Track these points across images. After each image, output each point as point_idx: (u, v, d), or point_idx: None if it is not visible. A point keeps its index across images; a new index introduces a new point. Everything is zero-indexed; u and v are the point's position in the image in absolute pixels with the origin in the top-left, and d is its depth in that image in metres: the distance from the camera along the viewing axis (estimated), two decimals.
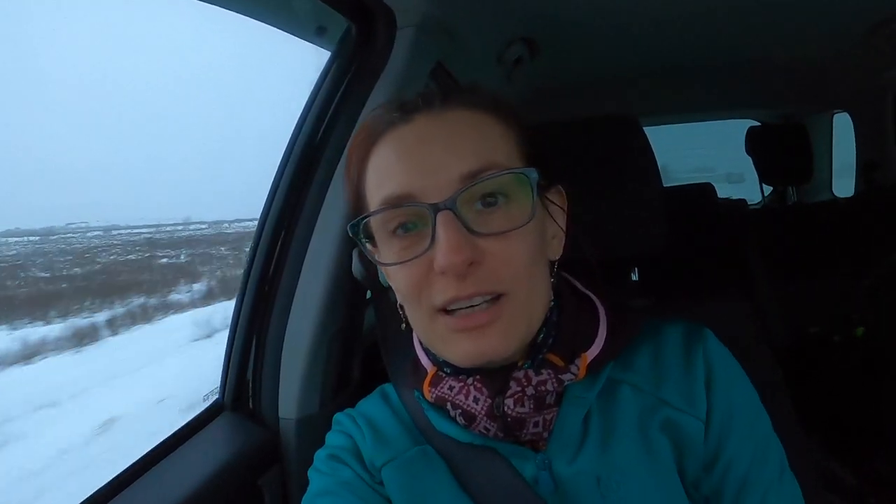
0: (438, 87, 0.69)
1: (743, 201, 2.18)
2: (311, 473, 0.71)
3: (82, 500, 0.78)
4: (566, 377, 0.63)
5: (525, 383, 0.62)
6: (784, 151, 2.36)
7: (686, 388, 0.67)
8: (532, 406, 0.62)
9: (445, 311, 0.60)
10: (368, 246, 0.66)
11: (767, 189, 2.78)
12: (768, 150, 2.41)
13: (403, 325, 0.70)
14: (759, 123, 2.68)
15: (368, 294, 1.05)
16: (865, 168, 2.27)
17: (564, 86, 2.06)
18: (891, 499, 1.58)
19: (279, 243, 1.03)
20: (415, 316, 0.64)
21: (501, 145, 0.63)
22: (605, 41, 1.67)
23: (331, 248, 0.99)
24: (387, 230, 0.62)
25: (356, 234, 0.64)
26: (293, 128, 1.06)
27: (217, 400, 1.04)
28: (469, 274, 0.57)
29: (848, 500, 1.46)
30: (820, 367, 1.84)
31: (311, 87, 1.07)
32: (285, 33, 1.04)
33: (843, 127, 2.53)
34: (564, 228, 0.70)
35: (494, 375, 0.63)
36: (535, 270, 0.62)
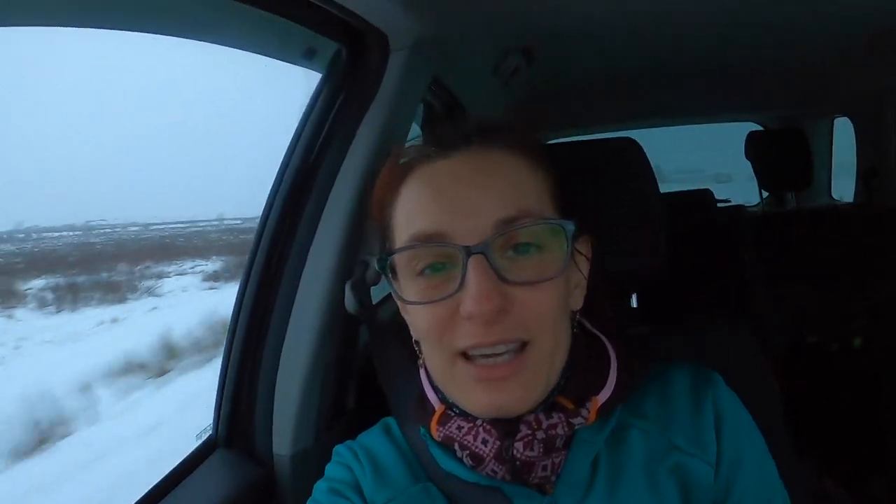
0: (459, 108, 0.67)
1: (741, 207, 2.17)
2: None
3: None
4: (577, 421, 0.63)
5: (535, 426, 0.61)
6: (783, 157, 2.35)
7: (695, 432, 0.67)
8: (541, 450, 0.61)
9: (465, 356, 0.59)
10: (393, 282, 0.65)
11: (765, 193, 2.77)
12: (767, 155, 2.40)
13: (420, 361, 0.69)
14: (759, 127, 2.67)
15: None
16: (865, 174, 2.26)
17: (563, 92, 2.04)
18: None
19: (272, 273, 1.01)
20: (433, 358, 0.63)
21: (536, 192, 0.62)
22: (603, 46, 1.65)
23: (324, 279, 0.96)
24: (413, 268, 0.61)
25: (383, 269, 0.63)
26: (283, 154, 1.03)
27: (210, 436, 1.01)
28: (496, 322, 0.56)
29: None
30: (817, 378, 1.83)
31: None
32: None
33: (842, 130, 2.52)
34: (587, 278, 0.69)
35: (504, 419, 0.62)
36: (560, 321, 0.61)
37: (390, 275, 0.64)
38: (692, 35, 1.61)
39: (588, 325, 0.73)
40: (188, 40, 0.85)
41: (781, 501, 0.68)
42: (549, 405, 0.63)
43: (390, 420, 0.77)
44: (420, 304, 0.60)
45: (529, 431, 0.61)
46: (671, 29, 1.55)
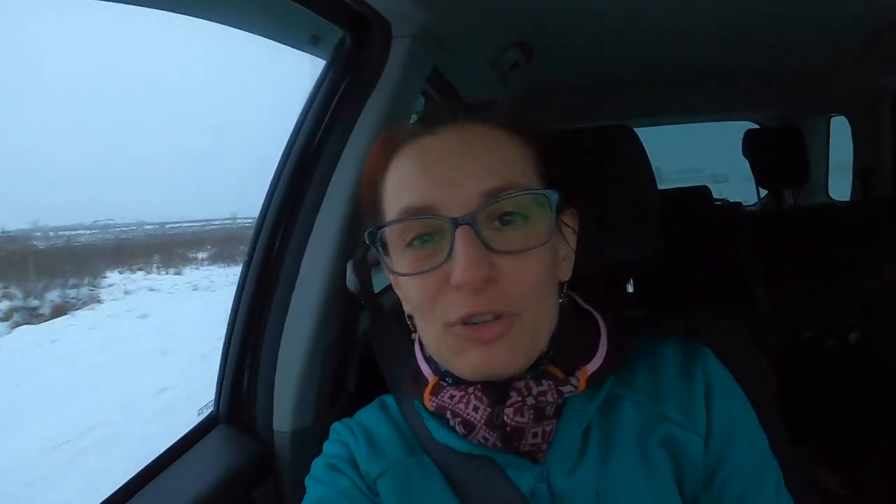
0: (458, 100, 0.69)
1: (738, 204, 2.19)
2: (308, 482, 0.71)
3: None
4: (566, 389, 0.63)
5: (525, 393, 0.62)
6: (781, 155, 2.36)
7: (686, 404, 0.67)
8: (531, 416, 0.62)
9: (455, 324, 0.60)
10: (383, 255, 0.66)
11: (762, 192, 2.79)
12: (765, 154, 2.41)
13: (414, 335, 0.71)
14: (756, 126, 2.68)
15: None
16: (862, 173, 2.28)
17: (561, 89, 2.06)
18: None
19: (274, 255, 1.03)
20: (426, 328, 0.64)
21: (521, 164, 0.63)
22: (601, 44, 1.67)
23: (326, 260, 0.98)
24: (403, 241, 0.62)
25: (373, 242, 0.65)
26: (288, 138, 1.05)
27: (212, 413, 1.03)
28: (484, 290, 0.58)
29: None
30: (813, 372, 1.85)
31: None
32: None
33: (839, 130, 2.54)
34: (574, 249, 0.71)
35: (495, 385, 0.63)
36: (546, 291, 0.62)
37: (381, 249, 0.66)
38: (690, 34, 1.63)
39: (579, 301, 0.75)
40: (193, 30, 0.86)
41: (773, 474, 0.68)
42: (539, 373, 0.64)
43: (387, 397, 0.79)
44: (410, 275, 0.62)
45: (519, 398, 0.62)
46: (669, 28, 1.57)
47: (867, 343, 1.81)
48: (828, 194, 2.71)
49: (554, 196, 0.61)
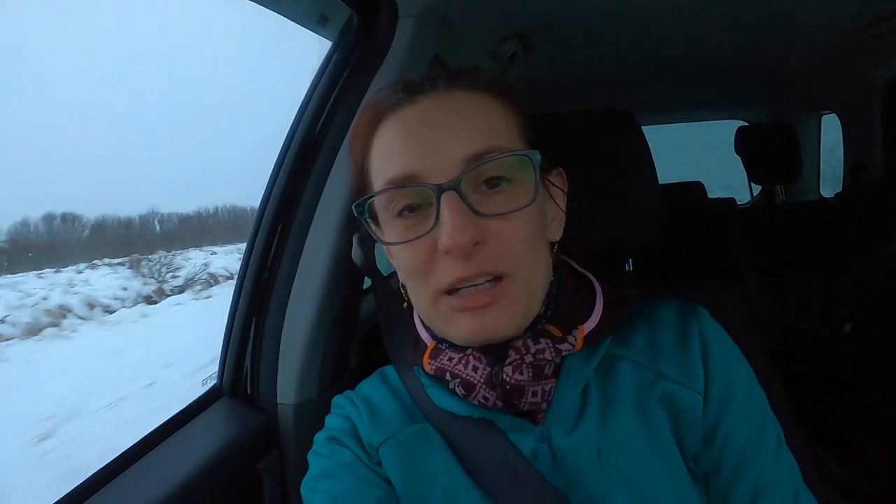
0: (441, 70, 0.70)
1: (732, 200, 2.21)
2: (310, 457, 0.72)
3: (79, 482, 0.79)
4: (564, 347, 0.65)
5: (524, 351, 0.63)
6: (773, 151, 2.39)
7: (683, 362, 0.68)
8: (530, 374, 0.63)
9: (448, 292, 0.61)
10: (373, 226, 0.67)
11: (755, 190, 2.82)
12: (757, 150, 2.44)
13: (405, 305, 0.71)
14: (746, 124, 2.72)
15: (367, 280, 1.05)
16: (853, 168, 2.31)
17: (556, 82, 2.07)
18: (880, 487, 1.60)
19: (279, 230, 1.04)
20: (418, 296, 0.65)
21: (504, 128, 0.64)
22: (595, 38, 1.69)
23: (330, 234, 0.99)
24: (391, 211, 0.63)
25: (361, 214, 0.65)
26: (294, 115, 1.06)
27: (215, 385, 1.04)
28: (473, 254, 0.59)
29: (838, 490, 1.48)
30: (808, 362, 1.87)
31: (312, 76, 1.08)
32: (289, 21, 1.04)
33: (832, 133, 2.57)
34: (564, 210, 0.72)
35: (493, 346, 0.64)
36: (536, 250, 0.63)
37: (370, 220, 0.67)
38: (684, 28, 1.65)
39: (576, 265, 0.76)
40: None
41: (773, 432, 0.69)
42: (536, 332, 0.65)
43: (387, 368, 0.80)
44: (400, 244, 0.63)
45: (518, 356, 0.63)
46: (662, 23, 1.59)
47: (862, 330, 1.84)
48: (819, 192, 2.74)
49: (537, 156, 0.62)
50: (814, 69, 2.02)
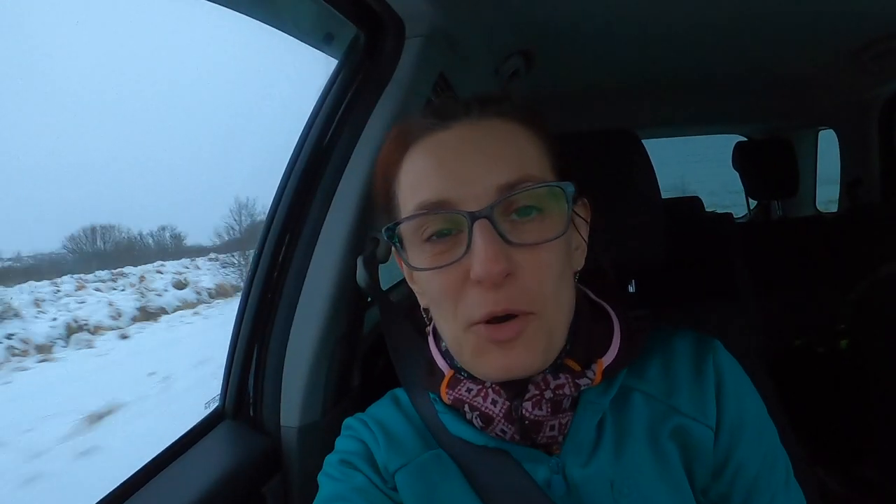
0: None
1: (729, 215, 2.22)
2: (321, 478, 0.70)
3: None
4: (583, 382, 0.64)
5: (543, 387, 0.63)
6: (770, 166, 2.41)
7: (696, 396, 0.68)
8: (549, 409, 0.63)
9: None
10: (402, 251, 0.66)
11: (752, 204, 2.84)
12: (755, 165, 2.46)
13: (428, 328, 0.72)
14: (745, 139, 2.74)
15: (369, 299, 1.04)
16: (850, 185, 2.32)
17: (557, 98, 2.08)
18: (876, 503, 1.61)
19: (283, 251, 1.03)
20: (446, 326, 0.64)
21: (536, 157, 0.64)
22: (597, 54, 1.70)
23: (335, 256, 0.98)
24: (420, 236, 0.63)
25: (391, 238, 0.65)
26: (299, 135, 1.05)
27: (217, 408, 1.02)
28: (504, 285, 0.58)
29: None
30: (804, 379, 1.87)
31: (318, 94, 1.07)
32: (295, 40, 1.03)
33: (829, 149, 2.60)
34: (587, 240, 0.72)
35: (513, 380, 0.64)
36: (563, 284, 0.63)
37: (398, 244, 0.66)
38: (684, 45, 1.66)
39: (592, 295, 0.75)
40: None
41: (783, 466, 0.69)
42: (556, 366, 0.65)
43: (398, 391, 0.79)
44: (429, 269, 0.62)
45: (537, 391, 0.63)
46: (662, 40, 1.60)
47: (858, 348, 1.84)
48: (815, 207, 2.76)
49: (570, 188, 0.61)
50: (812, 86, 2.04)
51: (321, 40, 1.05)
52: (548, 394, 0.63)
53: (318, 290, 0.99)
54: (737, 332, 1.23)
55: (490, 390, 0.65)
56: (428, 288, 0.65)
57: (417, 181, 0.64)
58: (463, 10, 1.11)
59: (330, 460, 0.72)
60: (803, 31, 1.56)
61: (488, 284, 0.58)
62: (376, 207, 0.72)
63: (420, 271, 0.64)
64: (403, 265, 0.68)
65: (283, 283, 1.02)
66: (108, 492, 0.80)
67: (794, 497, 0.69)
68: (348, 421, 0.76)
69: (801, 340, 1.94)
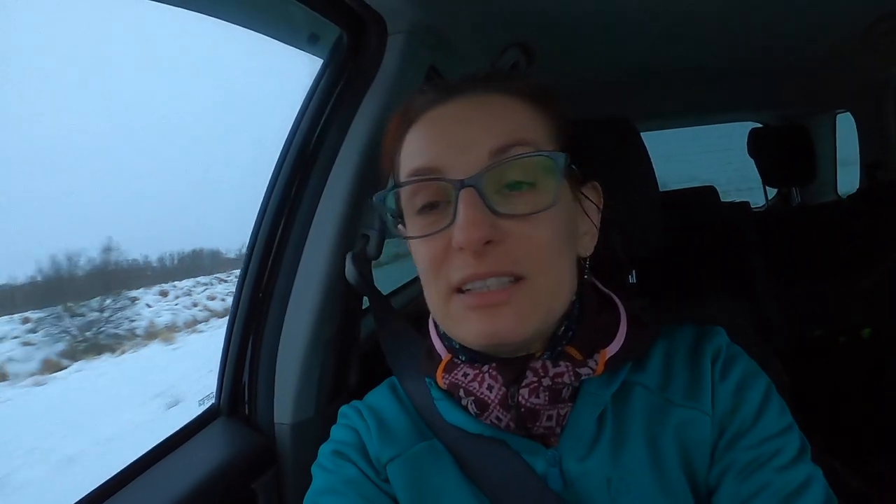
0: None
1: (746, 204, 2.17)
2: (314, 469, 0.71)
3: (73, 501, 0.79)
4: (584, 371, 0.63)
5: (542, 374, 0.62)
6: (786, 153, 2.35)
7: (691, 383, 0.66)
8: (547, 398, 0.62)
9: (461, 290, 0.60)
10: (391, 219, 0.68)
11: (770, 193, 2.77)
12: (771, 152, 2.40)
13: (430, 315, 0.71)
14: (759, 125, 2.67)
15: (365, 301, 1.05)
16: (869, 167, 2.25)
17: (562, 89, 2.06)
18: (893, 499, 1.55)
19: (273, 249, 1.04)
20: (431, 294, 0.64)
21: (534, 127, 0.63)
22: (601, 45, 1.67)
23: (325, 253, 0.99)
24: (413, 206, 0.63)
25: (382, 203, 0.66)
26: (286, 134, 1.07)
27: (213, 405, 1.04)
28: (487, 253, 0.58)
29: (850, 500, 1.43)
30: (825, 369, 1.82)
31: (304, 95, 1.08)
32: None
33: (848, 129, 2.52)
34: (598, 226, 0.70)
35: (511, 365, 0.63)
36: (560, 260, 0.62)
37: (393, 216, 0.67)
38: (691, 32, 1.63)
39: (600, 285, 0.73)
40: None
41: (790, 448, 0.62)
42: (556, 354, 0.64)
43: (395, 379, 0.78)
44: (417, 237, 0.62)
45: (535, 378, 0.62)
46: (669, 27, 1.57)
47: (881, 337, 1.79)
48: (836, 192, 2.68)
49: (561, 158, 0.60)
50: (826, 68, 1.98)
51: (305, 42, 1.06)
52: (546, 381, 0.62)
53: (308, 288, 1.00)
54: (746, 320, 1.20)
55: (487, 375, 0.64)
56: (417, 258, 0.65)
57: (413, 151, 0.64)
58: (445, 4, 1.11)
59: (324, 450, 0.72)
60: (814, 12, 1.51)
61: (470, 251, 0.57)
62: (370, 212, 0.72)
63: (410, 240, 0.65)
64: (399, 235, 0.68)
65: (274, 281, 1.03)
66: (97, 484, 0.82)
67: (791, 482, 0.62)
68: (343, 408, 0.76)
69: (821, 330, 1.88)
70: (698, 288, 1.63)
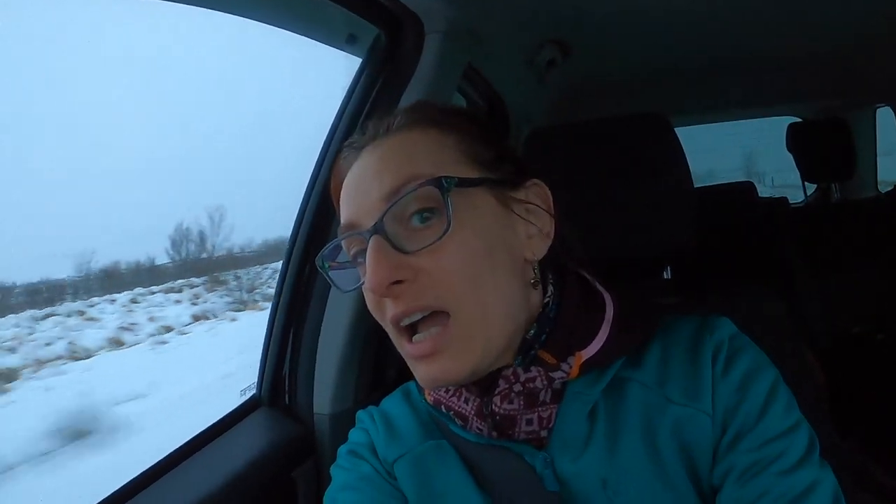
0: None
1: (784, 199, 2.13)
2: (333, 470, 0.72)
3: (119, 485, 0.83)
4: (557, 375, 0.62)
5: (513, 380, 0.62)
6: (825, 148, 2.29)
7: (690, 380, 0.64)
8: (522, 403, 0.62)
9: (405, 331, 0.60)
10: (330, 274, 0.68)
11: (808, 189, 2.72)
12: (809, 147, 2.35)
13: None
14: (799, 119, 2.62)
15: None
16: None
17: (599, 86, 2.05)
18: None
19: (315, 246, 1.06)
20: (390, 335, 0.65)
21: (434, 156, 0.62)
22: (637, 40, 1.66)
23: None
24: (353, 257, 0.64)
25: (321, 266, 0.67)
26: (327, 131, 1.09)
27: (254, 395, 1.08)
28: (402, 293, 0.58)
29: (882, 499, 1.41)
30: (862, 367, 1.79)
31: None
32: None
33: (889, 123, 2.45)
34: (549, 223, 0.67)
35: (483, 376, 0.63)
36: (486, 281, 0.59)
37: (328, 270, 0.68)
38: (727, 26, 1.61)
39: (596, 283, 0.71)
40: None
41: (798, 445, 0.60)
42: (529, 359, 0.63)
43: (412, 384, 0.79)
44: (352, 290, 0.65)
45: (507, 385, 0.62)
46: (704, 21, 1.55)
47: None
48: (876, 188, 2.62)
49: (443, 182, 0.58)
50: (863, 60, 1.93)
51: (344, 42, 1.08)
52: (517, 387, 0.62)
53: None
54: (781, 317, 1.18)
55: (463, 389, 0.65)
56: None
57: (341, 209, 0.66)
58: (481, 3, 1.12)
59: (341, 451, 0.74)
60: (848, 4, 1.48)
61: (383, 294, 0.58)
62: None
63: (350, 292, 0.68)
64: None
65: (315, 274, 1.06)
66: (141, 470, 0.86)
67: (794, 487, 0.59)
68: (359, 413, 0.78)
69: (859, 328, 1.85)
70: (734, 284, 1.61)
